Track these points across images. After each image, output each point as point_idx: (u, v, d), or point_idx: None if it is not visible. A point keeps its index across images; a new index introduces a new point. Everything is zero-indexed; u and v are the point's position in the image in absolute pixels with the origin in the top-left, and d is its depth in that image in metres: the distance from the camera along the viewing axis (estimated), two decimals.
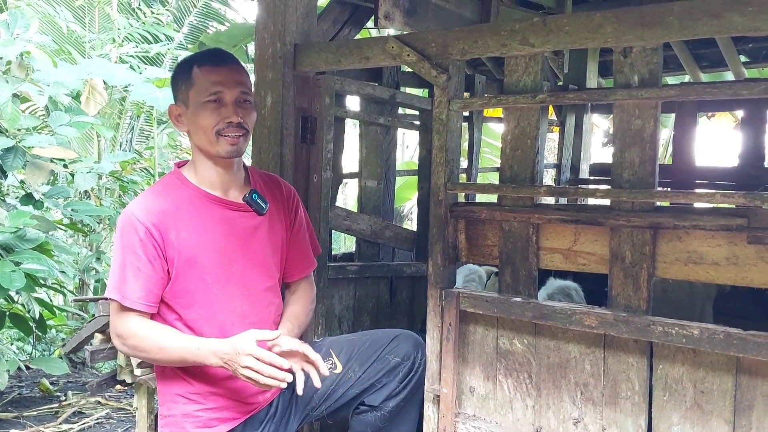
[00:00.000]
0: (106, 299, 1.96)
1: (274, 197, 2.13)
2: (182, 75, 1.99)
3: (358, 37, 3.44)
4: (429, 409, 2.23)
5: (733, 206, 1.74)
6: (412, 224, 6.56)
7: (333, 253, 3.38)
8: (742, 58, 3.96)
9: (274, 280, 2.10)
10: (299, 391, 1.85)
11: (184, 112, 1.98)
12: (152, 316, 1.93)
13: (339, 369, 2.11)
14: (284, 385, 1.79)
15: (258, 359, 1.76)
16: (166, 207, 1.93)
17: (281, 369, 1.77)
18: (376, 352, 2.13)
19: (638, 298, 1.88)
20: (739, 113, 4.16)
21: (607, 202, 1.99)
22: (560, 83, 4.26)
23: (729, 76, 4.26)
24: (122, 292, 1.86)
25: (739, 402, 1.73)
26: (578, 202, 3.91)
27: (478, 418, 2.18)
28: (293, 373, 1.83)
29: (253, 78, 2.58)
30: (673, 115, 4.31)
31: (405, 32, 2.80)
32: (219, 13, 7.68)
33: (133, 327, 1.88)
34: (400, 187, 6.86)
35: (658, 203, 1.88)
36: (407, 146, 9.91)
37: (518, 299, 2.05)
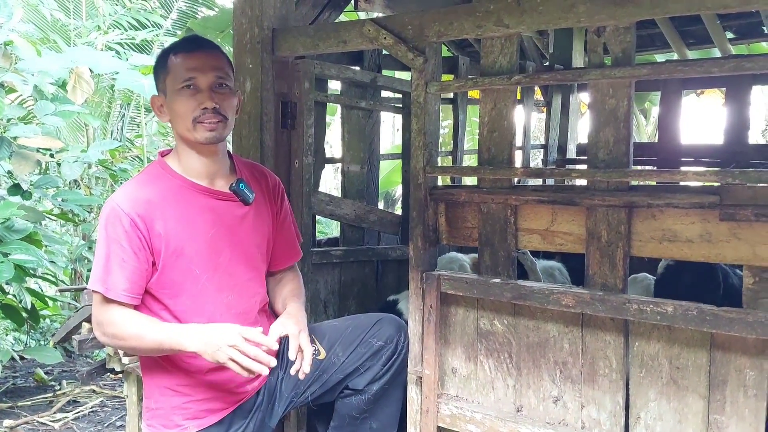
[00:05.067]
0: (90, 290, 1.94)
1: (260, 187, 2.11)
2: (160, 65, 1.97)
3: (343, 19, 3.42)
4: (412, 391, 2.25)
5: (718, 184, 1.74)
6: None
7: (319, 238, 3.39)
8: (729, 35, 3.95)
9: (259, 271, 2.09)
10: (291, 371, 1.86)
11: (164, 101, 1.96)
12: (137, 308, 1.93)
13: (322, 355, 2.12)
14: (266, 371, 1.76)
15: (246, 339, 1.74)
16: (152, 197, 1.91)
17: (261, 362, 1.74)
18: (359, 337, 2.14)
19: (614, 277, 1.89)
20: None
21: (584, 181, 2.00)
22: (546, 63, 4.25)
23: (716, 52, 4.25)
24: (106, 284, 1.85)
25: (714, 377, 1.75)
26: (565, 183, 3.91)
27: (461, 398, 2.20)
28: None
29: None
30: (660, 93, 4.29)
31: (387, 14, 2.80)
32: None
33: (114, 316, 1.86)
34: (390, 171, 6.86)
35: (634, 182, 1.89)
36: (398, 129, 9.88)
37: (497, 280, 2.06)
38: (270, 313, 2.19)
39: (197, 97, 1.89)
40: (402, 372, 2.20)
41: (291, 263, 2.24)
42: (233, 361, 1.74)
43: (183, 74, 1.90)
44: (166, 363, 1.97)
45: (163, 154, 2.05)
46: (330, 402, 2.21)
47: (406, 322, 2.25)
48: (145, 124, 6.44)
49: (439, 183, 2.29)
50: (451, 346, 2.22)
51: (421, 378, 2.22)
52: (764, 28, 3.72)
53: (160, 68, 1.97)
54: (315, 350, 2.13)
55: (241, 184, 2.01)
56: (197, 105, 1.89)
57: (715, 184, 1.74)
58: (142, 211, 1.87)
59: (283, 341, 2.16)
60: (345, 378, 2.13)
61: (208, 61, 1.92)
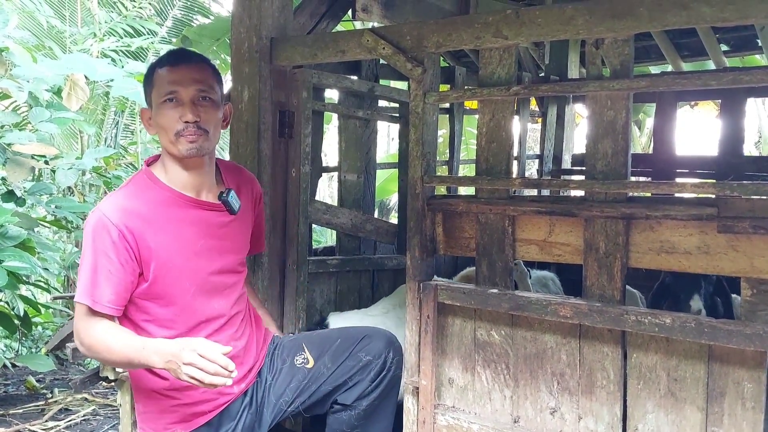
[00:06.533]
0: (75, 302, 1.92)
1: (246, 194, 2.14)
2: (147, 78, 1.98)
3: (339, 29, 3.43)
4: (408, 401, 2.24)
5: (713, 195, 1.75)
6: None
7: (314, 247, 3.38)
8: (723, 47, 3.98)
9: (241, 275, 2.12)
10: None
11: (151, 114, 1.97)
12: (121, 319, 1.92)
13: (311, 364, 2.10)
14: (229, 382, 1.70)
15: (202, 356, 1.68)
16: (141, 209, 1.90)
17: (226, 369, 1.69)
18: (347, 350, 2.11)
19: (612, 288, 1.89)
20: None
21: (582, 193, 2.01)
22: (542, 74, 4.27)
23: (711, 65, 4.28)
24: (93, 297, 1.83)
25: (712, 389, 1.75)
26: (560, 193, 3.93)
27: (457, 409, 2.19)
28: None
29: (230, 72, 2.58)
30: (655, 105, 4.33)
31: (385, 24, 2.81)
32: (203, 6, 7.62)
33: (92, 327, 1.85)
34: (386, 179, 6.86)
35: (631, 193, 1.89)
36: (392, 138, 9.90)
37: (495, 291, 2.06)
38: (254, 313, 2.22)
39: (179, 110, 1.90)
40: (393, 389, 2.15)
41: (254, 254, 2.36)
42: (194, 379, 1.69)
43: (165, 87, 1.91)
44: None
45: (148, 163, 2.05)
46: (323, 415, 2.20)
47: None
48: (140, 131, 6.42)
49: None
50: (448, 356, 2.21)
51: (417, 388, 2.21)
52: (758, 41, 3.75)
53: (147, 82, 1.98)
54: (304, 358, 2.12)
55: (230, 195, 2.02)
56: (179, 118, 1.89)
57: (712, 196, 1.75)
58: (131, 223, 1.86)
59: (274, 347, 2.16)
60: (333, 391, 2.10)
61: (190, 74, 1.92)
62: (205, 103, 1.93)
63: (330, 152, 8.18)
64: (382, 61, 3.28)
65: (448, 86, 3.80)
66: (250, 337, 2.12)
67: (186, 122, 1.88)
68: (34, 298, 5.23)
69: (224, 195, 2.01)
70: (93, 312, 1.85)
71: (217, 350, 1.70)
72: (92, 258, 1.85)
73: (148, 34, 6.50)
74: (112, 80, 4.51)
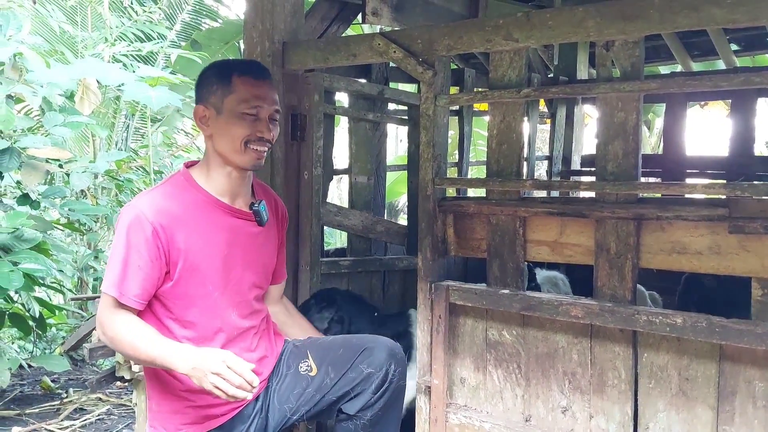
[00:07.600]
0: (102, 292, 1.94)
1: (272, 211, 2.18)
2: (219, 80, 1.98)
3: (348, 33, 3.46)
4: (420, 400, 2.26)
5: (724, 196, 1.76)
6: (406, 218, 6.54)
7: (326, 248, 3.41)
8: (733, 47, 3.98)
9: (263, 289, 2.16)
10: None
11: (213, 116, 1.98)
12: (144, 314, 1.94)
13: (314, 371, 2.11)
14: (250, 396, 1.78)
15: (230, 368, 1.74)
16: (175, 210, 1.93)
17: (250, 384, 1.76)
18: (349, 360, 2.10)
19: (623, 289, 1.91)
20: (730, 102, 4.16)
21: (593, 194, 2.02)
22: (551, 75, 4.28)
23: (720, 64, 4.28)
24: (121, 289, 1.86)
25: (723, 388, 1.76)
26: (570, 194, 3.93)
27: (469, 408, 2.21)
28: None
29: None
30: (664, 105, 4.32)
31: (394, 28, 2.83)
32: (212, 10, 7.66)
33: (118, 320, 1.88)
34: (394, 181, 6.89)
35: (642, 194, 1.91)
36: (400, 140, 9.90)
37: (506, 291, 2.08)
38: (274, 327, 2.23)
39: (256, 124, 1.96)
40: (396, 400, 2.12)
41: (277, 282, 2.31)
42: (217, 388, 1.74)
43: (251, 101, 1.96)
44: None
45: (188, 166, 2.08)
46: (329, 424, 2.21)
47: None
48: (150, 134, 6.47)
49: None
50: (459, 356, 2.23)
51: (429, 388, 2.23)
52: None
53: (219, 83, 1.98)
54: (307, 366, 2.13)
55: (262, 206, 2.08)
56: (254, 131, 1.96)
57: (723, 196, 1.76)
58: (165, 221, 1.90)
59: (281, 352, 2.17)
60: (337, 400, 2.09)
61: (270, 93, 2.01)
62: (275, 123, 2.03)
63: (339, 155, 8.20)
64: (391, 64, 3.30)
65: (457, 88, 3.82)
66: (268, 351, 2.15)
67: (261, 137, 1.96)
68: (49, 299, 5.28)
69: (256, 205, 2.07)
70: (119, 304, 1.88)
71: (245, 365, 1.77)
72: (125, 252, 1.88)
73: (158, 39, 6.55)
74: (123, 84, 4.55)
